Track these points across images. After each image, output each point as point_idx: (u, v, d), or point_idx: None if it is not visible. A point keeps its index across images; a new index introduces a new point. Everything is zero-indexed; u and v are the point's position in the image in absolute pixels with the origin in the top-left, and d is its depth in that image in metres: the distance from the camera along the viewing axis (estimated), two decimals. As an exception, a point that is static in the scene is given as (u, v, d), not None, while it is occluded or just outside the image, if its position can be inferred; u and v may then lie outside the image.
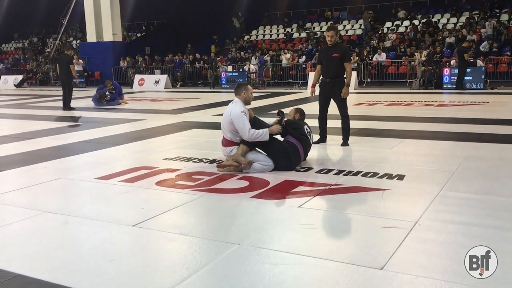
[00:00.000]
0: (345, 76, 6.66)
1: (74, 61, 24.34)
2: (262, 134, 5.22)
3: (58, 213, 4.04)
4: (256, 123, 5.39)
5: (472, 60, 16.30)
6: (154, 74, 23.16)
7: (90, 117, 11.42)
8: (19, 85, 25.07)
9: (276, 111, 5.84)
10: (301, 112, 6.03)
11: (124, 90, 17.10)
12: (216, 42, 26.72)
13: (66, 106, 12.90)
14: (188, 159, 6.06)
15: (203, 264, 2.97)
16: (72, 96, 13.33)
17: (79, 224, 3.81)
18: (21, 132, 8.94)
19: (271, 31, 27.71)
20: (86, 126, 9.65)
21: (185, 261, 3.03)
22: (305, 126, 5.65)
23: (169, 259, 3.11)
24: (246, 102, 5.43)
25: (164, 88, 21.13)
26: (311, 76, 17.59)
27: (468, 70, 15.83)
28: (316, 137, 6.48)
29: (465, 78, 15.80)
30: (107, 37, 24.63)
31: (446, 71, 16.57)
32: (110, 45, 24.61)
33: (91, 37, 25.19)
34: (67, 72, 12.75)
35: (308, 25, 26.63)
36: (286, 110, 11.00)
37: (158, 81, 21.72)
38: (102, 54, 24.23)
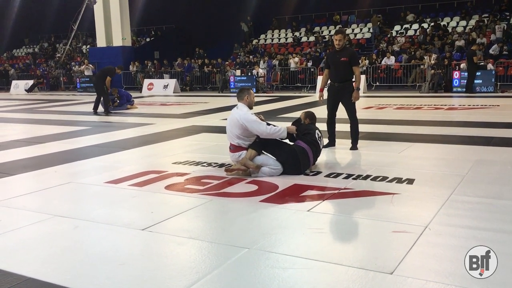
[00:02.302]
0: (353, 80, 6.65)
1: (84, 66, 24.72)
2: (280, 130, 5.27)
3: (68, 217, 4.07)
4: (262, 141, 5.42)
5: (482, 63, 16.19)
6: (163, 78, 23.28)
7: (100, 122, 11.50)
8: (29, 90, 25.31)
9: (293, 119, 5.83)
10: (311, 116, 6.01)
11: (133, 94, 17.23)
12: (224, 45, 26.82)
13: (95, 109, 13.15)
14: (197, 163, 6.08)
15: (213, 268, 2.98)
16: (83, 101, 13.42)
17: (89, 228, 3.83)
18: (31, 137, 9.02)
19: (279, 35, 27.76)
20: (95, 131, 9.72)
21: (195, 265, 3.04)
22: (316, 131, 5.64)
23: (178, 263, 3.12)
24: (249, 106, 5.46)
25: (173, 93, 21.23)
26: (319, 79, 17.59)
27: (478, 73, 15.72)
28: (325, 141, 6.46)
29: (475, 81, 15.70)
30: (117, 42, 24.82)
31: (456, 74, 16.48)
32: (119, 49, 24.80)
33: (100, 42, 25.40)
34: (102, 81, 13.07)
35: (317, 29, 26.65)
36: (295, 115, 11.03)
37: (167, 85, 21.83)
38: (111, 58, 24.37)
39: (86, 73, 24.57)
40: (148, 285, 2.79)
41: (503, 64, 17.65)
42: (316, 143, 5.48)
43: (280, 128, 5.32)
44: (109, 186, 5.11)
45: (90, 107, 15.10)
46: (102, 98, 13.11)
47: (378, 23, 24.25)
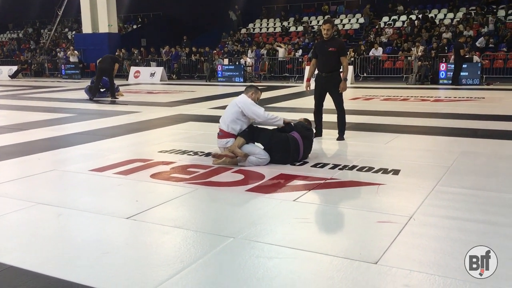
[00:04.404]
0: (341, 70, 6.64)
1: (69, 52, 24.36)
2: (277, 118, 5.38)
3: (52, 205, 4.02)
4: (253, 129, 5.42)
5: (468, 56, 16.31)
6: (150, 66, 23.05)
7: (85, 109, 11.35)
8: (13, 76, 24.89)
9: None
10: (308, 123, 6.06)
11: (120, 82, 17.05)
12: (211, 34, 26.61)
13: (93, 95, 13.20)
14: (184, 152, 6.04)
15: (198, 257, 2.96)
16: (68, 88, 13.32)
17: (73, 216, 3.78)
18: (15, 123, 8.88)
19: (267, 24, 27.62)
20: (80, 118, 9.60)
21: (179, 254, 3.02)
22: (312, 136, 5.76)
23: (163, 252, 3.10)
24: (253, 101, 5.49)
25: (160, 81, 21.05)
26: (307, 69, 17.56)
27: (464, 65, 15.84)
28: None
29: (461, 73, 15.82)
30: (103, 28, 24.49)
31: (443, 66, 16.58)
32: (105, 36, 24.47)
33: (86, 28, 25.04)
34: (112, 67, 13.29)
35: (305, 19, 26.57)
36: (283, 104, 11.02)
37: (154, 73, 21.63)
38: (97, 45, 24.08)
39: (71, 59, 24.22)
40: (132, 274, 2.77)
41: (489, 56, 17.80)
42: (309, 141, 5.49)
43: (278, 116, 5.39)
44: (94, 174, 5.05)
45: (75, 94, 14.93)
46: (109, 83, 13.32)
47: (370, 14, 24.24)
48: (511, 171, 4.93)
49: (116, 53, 23.78)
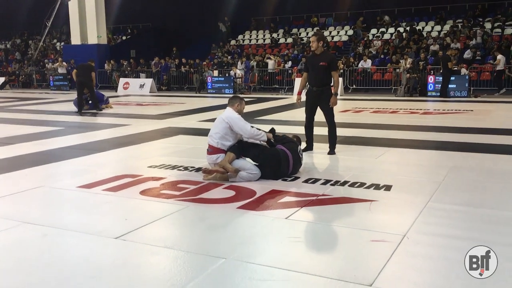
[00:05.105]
0: (332, 84, 6.64)
1: (58, 63, 24.21)
2: (261, 134, 5.36)
3: (37, 224, 3.91)
4: (242, 144, 5.39)
5: (456, 68, 16.48)
6: (139, 78, 22.95)
7: (73, 122, 11.23)
8: (1, 87, 24.62)
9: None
10: (297, 138, 6.03)
11: (109, 93, 16.94)
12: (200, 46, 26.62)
13: (80, 110, 12.95)
14: (173, 167, 5.96)
15: (189, 279, 2.89)
16: (56, 100, 13.18)
17: (59, 236, 3.68)
18: (1, 137, 8.73)
19: (257, 36, 27.72)
20: (69, 131, 9.48)
21: (170, 277, 2.95)
22: (299, 146, 5.65)
23: (153, 275, 3.02)
24: (238, 113, 5.49)
25: (150, 92, 20.95)
26: (297, 82, 17.61)
27: (452, 78, 15.99)
28: (303, 145, 6.42)
29: (449, 86, 15.96)
30: (92, 39, 24.36)
31: (431, 78, 16.72)
32: (94, 47, 24.33)
33: (75, 39, 24.89)
34: (90, 78, 13.28)
35: (294, 30, 26.72)
36: (273, 117, 10.99)
37: (144, 85, 21.53)
38: (86, 56, 23.72)
39: (60, 71, 24.04)
40: (121, 299, 2.68)
41: (476, 69, 18.00)
42: (297, 154, 5.45)
43: (262, 132, 5.37)
44: (82, 191, 4.95)
45: (64, 106, 14.78)
46: (90, 95, 13.21)
47: (362, 26, 24.44)
48: (503, 187, 4.92)
49: (106, 66, 23.74)
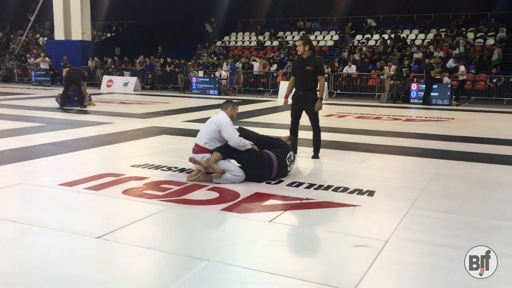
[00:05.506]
0: (318, 89, 6.67)
1: (40, 59, 23.86)
2: (247, 145, 5.35)
3: (16, 222, 3.85)
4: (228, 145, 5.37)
5: (438, 77, 16.72)
6: (123, 76, 22.74)
7: (55, 118, 11.06)
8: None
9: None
10: (293, 141, 6.02)
11: (92, 91, 16.74)
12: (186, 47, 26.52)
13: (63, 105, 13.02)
14: (157, 167, 5.92)
15: (171, 281, 2.87)
16: (38, 96, 13.04)
17: (38, 235, 3.62)
18: (-20, 132, 8.56)
19: (243, 38, 27.73)
20: (51, 128, 9.33)
21: (152, 278, 2.92)
22: (290, 153, 5.55)
23: (134, 275, 2.99)
24: (230, 118, 5.46)
25: (133, 91, 20.77)
26: (282, 85, 17.66)
27: (435, 86, 16.21)
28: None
29: (432, 94, 16.18)
30: (76, 35, 24.08)
31: (414, 86, 16.93)
32: (78, 44, 24.06)
33: (59, 35, 24.57)
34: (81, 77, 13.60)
35: (281, 34, 26.80)
36: (258, 119, 10.97)
37: (128, 83, 21.33)
38: (69, 53, 23.60)
39: (42, 66, 23.68)
40: (102, 300, 2.65)
41: (458, 78, 18.26)
42: (283, 160, 5.42)
43: (248, 144, 5.36)
44: (63, 189, 4.88)
45: (46, 102, 14.54)
46: (77, 92, 13.30)
47: (350, 32, 24.61)
48: (482, 194, 5.01)
49: (89, 63, 23.52)
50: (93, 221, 3.96)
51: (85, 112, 12.39)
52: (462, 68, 17.24)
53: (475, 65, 19.48)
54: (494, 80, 17.89)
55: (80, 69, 14.00)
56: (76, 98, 13.42)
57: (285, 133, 6.88)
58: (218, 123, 5.30)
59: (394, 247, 3.45)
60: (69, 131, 9.01)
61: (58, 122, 10.41)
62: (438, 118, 12.28)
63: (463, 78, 17.17)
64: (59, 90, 14.16)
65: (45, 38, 29.46)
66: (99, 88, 21.58)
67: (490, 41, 21.18)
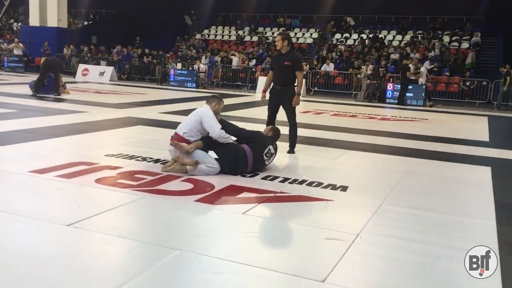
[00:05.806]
0: (295, 84, 6.70)
1: (14, 44, 23.27)
2: (229, 139, 5.38)
3: (-14, 208, 3.76)
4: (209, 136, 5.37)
5: (414, 78, 16.97)
6: (99, 65, 22.38)
7: (28, 105, 10.82)
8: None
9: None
10: (275, 131, 5.98)
11: (66, 79, 16.41)
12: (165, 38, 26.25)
13: (37, 90, 12.85)
14: (131, 157, 5.86)
15: (142, 270, 2.85)
16: (11, 82, 12.76)
17: (8, 221, 3.55)
18: (-51, 116, 8.31)
19: (223, 32, 27.61)
20: (22, 114, 9.12)
21: (123, 266, 2.90)
22: (269, 146, 5.53)
23: (105, 263, 2.96)
24: (214, 112, 5.44)
25: (109, 81, 20.47)
26: (261, 80, 17.68)
27: (410, 87, 16.48)
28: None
29: (407, 94, 16.45)
30: (52, 22, 23.55)
31: (390, 86, 17.17)
32: (54, 31, 23.54)
33: (34, 20, 23.98)
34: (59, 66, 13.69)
35: (260, 29, 26.79)
36: (235, 113, 10.97)
37: (104, 72, 21.00)
38: (44, 39, 23.08)
39: (16, 52, 23.10)
40: (72, 286, 2.62)
41: (432, 80, 18.62)
42: (260, 154, 5.43)
43: (230, 138, 5.38)
44: (34, 176, 4.79)
45: (19, 88, 14.20)
46: (54, 78, 13.14)
47: (331, 30, 24.74)
48: (451, 192, 5.14)
49: (65, 51, 23.09)
50: (64, 209, 3.91)
51: (60, 100, 12.17)
52: (423, 69, 17.17)
53: (449, 67, 19.87)
54: (468, 83, 18.30)
55: (59, 60, 13.82)
56: (52, 85, 13.16)
57: (261, 128, 6.89)
58: (200, 114, 5.29)
59: (365, 241, 3.51)
60: (43, 118, 8.83)
61: (32, 109, 10.19)
62: (412, 118, 12.50)
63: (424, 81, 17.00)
64: (32, 77, 13.85)
65: (19, 24, 28.73)
66: (74, 77, 21.18)
67: (465, 45, 21.62)
